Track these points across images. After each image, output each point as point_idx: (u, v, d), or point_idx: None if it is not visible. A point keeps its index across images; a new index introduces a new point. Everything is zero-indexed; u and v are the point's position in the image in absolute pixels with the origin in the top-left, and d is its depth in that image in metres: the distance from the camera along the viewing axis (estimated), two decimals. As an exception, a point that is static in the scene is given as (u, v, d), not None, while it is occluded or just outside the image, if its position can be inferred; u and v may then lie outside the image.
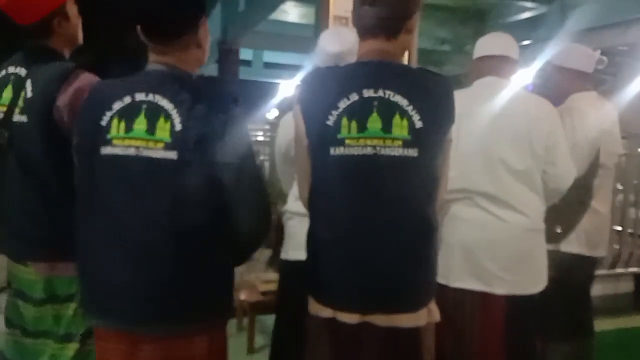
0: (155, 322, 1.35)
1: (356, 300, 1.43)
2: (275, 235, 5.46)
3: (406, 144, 1.37)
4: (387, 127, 1.37)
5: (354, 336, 1.43)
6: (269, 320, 3.59)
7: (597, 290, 2.57)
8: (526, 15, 10.07)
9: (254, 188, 1.40)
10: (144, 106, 1.32)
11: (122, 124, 1.32)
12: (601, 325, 2.59)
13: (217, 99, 1.37)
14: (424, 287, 1.47)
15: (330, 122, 1.39)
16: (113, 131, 1.32)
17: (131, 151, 1.30)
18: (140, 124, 1.31)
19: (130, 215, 1.31)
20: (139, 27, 1.38)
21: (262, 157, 9.08)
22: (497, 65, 2.01)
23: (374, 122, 1.38)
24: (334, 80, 1.44)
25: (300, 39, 10.69)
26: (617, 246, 4.28)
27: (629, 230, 4.44)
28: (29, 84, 1.56)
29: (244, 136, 1.37)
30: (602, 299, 3.97)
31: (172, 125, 1.30)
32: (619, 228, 4.30)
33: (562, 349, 2.42)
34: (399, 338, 1.43)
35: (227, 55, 11.32)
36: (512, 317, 1.91)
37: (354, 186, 1.41)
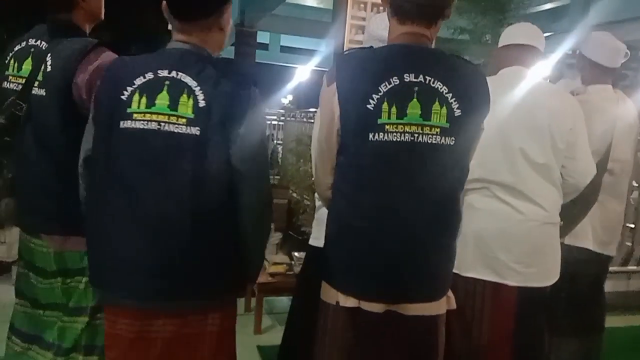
0: (168, 297, 1.37)
1: (383, 289, 1.42)
2: (287, 218, 5.50)
3: (444, 132, 1.37)
4: (426, 114, 1.36)
5: (377, 325, 1.43)
6: (277, 302, 3.64)
7: (608, 287, 2.55)
8: (548, 6, 9.90)
9: (263, 170, 1.43)
10: (167, 82, 1.34)
11: (144, 99, 1.33)
12: (612, 322, 2.57)
13: (241, 79, 1.38)
14: (447, 276, 1.48)
15: (370, 107, 1.35)
16: (134, 105, 1.33)
17: (153, 125, 1.32)
18: (163, 99, 1.32)
19: (149, 189, 1.32)
20: (164, 4, 1.38)
21: (275, 142, 9.11)
22: (524, 55, 1.99)
23: (414, 108, 1.36)
24: (375, 63, 1.41)
25: (318, 23, 10.60)
26: (629, 243, 4.24)
27: (643, 228, 4.39)
28: (49, 58, 1.56)
29: (262, 118, 1.41)
30: (613, 295, 3.93)
31: (196, 102, 1.31)
32: (632, 225, 4.25)
33: (570, 344, 2.41)
34: (421, 326, 1.44)
35: (244, 37, 11.26)
36: (522, 309, 1.90)
37: (389, 173, 1.38)
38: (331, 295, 1.46)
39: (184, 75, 1.34)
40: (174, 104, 1.32)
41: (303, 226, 4.70)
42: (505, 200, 1.88)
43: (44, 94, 1.56)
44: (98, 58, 1.56)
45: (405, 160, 1.38)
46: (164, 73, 1.34)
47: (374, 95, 1.36)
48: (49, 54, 1.57)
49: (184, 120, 1.31)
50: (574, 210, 2.16)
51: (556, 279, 1.96)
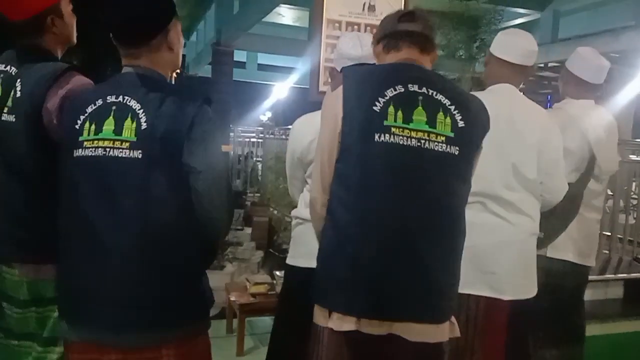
0: (119, 330, 1.31)
1: (386, 304, 1.35)
2: (267, 236, 5.47)
3: (449, 141, 1.37)
4: (431, 122, 1.37)
5: (378, 351, 1.35)
6: (259, 322, 3.60)
7: (586, 295, 2.57)
8: (519, 21, 10.15)
9: (219, 187, 1.36)
10: (114, 107, 1.32)
11: (93, 126, 1.32)
12: (591, 330, 2.60)
13: (186, 97, 1.35)
14: (452, 296, 1.43)
15: (377, 109, 1.35)
16: (85, 133, 1.32)
17: (99, 152, 1.30)
18: (109, 124, 1.31)
19: (102, 216, 1.29)
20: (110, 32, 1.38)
21: (255, 159, 9.10)
22: (515, 74, 2.00)
23: (419, 115, 1.37)
24: (380, 73, 1.43)
25: (295, 41, 10.70)
26: (606, 251, 4.31)
27: (619, 236, 4.48)
28: (18, 84, 1.54)
29: (212, 134, 1.34)
30: (591, 304, 3.99)
31: (138, 125, 1.29)
32: (609, 233, 4.33)
33: (551, 354, 2.42)
34: (425, 353, 1.36)
35: (221, 56, 11.29)
36: (513, 322, 1.91)
37: (395, 178, 1.35)
38: (325, 317, 1.38)
39: (129, 99, 1.32)
40: (118, 129, 1.30)
41: (284, 244, 4.68)
42: (497, 213, 1.89)
43: (14, 119, 1.53)
44: (69, 82, 1.54)
45: (413, 166, 1.36)
46: (112, 98, 1.34)
47: (380, 99, 1.36)
48: (19, 80, 1.54)
49: (127, 144, 1.29)
50: (555, 223, 2.19)
51: (536, 290, 1.98)
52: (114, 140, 1.30)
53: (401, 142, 1.34)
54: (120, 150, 1.29)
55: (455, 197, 1.41)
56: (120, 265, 1.29)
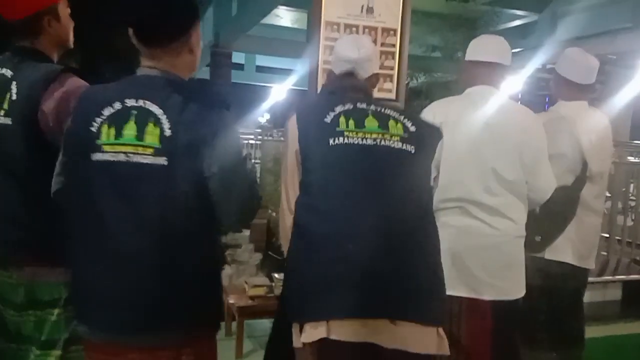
0: (140, 331, 1.33)
1: (358, 302, 1.33)
2: (266, 238, 5.45)
3: (404, 140, 1.47)
4: (384, 126, 1.48)
5: None
6: (258, 325, 3.58)
7: (585, 297, 2.57)
8: (517, 23, 10.15)
9: (246, 191, 1.39)
10: (134, 112, 1.31)
11: (112, 130, 1.31)
12: (589, 332, 2.59)
13: (208, 104, 1.35)
14: (434, 293, 1.42)
15: (328, 120, 1.47)
16: (103, 137, 1.31)
17: (121, 157, 1.29)
18: (130, 129, 1.30)
19: (121, 221, 1.30)
20: (131, 31, 1.37)
21: (253, 161, 9.09)
22: (489, 73, 2.01)
23: (371, 122, 1.48)
24: (329, 97, 1.60)
25: (293, 43, 10.68)
26: (604, 253, 4.31)
27: (617, 238, 4.48)
28: (14, 86, 1.53)
29: (234, 141, 1.36)
30: (590, 306, 3.99)
31: (162, 131, 1.29)
32: (607, 235, 4.33)
33: (550, 358, 2.42)
34: None
35: (219, 58, 11.29)
36: (498, 324, 1.92)
37: (354, 175, 1.43)
38: (297, 336, 1.36)
39: (150, 103, 1.31)
40: (140, 134, 1.30)
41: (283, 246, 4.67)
42: (479, 217, 1.90)
43: (10, 122, 1.52)
44: (64, 84, 1.54)
45: (371, 162, 1.45)
46: (131, 102, 1.32)
47: (330, 113, 1.48)
48: (14, 82, 1.54)
49: (150, 150, 1.29)
50: (552, 226, 2.19)
51: (524, 292, 1.98)
52: (137, 146, 1.29)
53: (356, 142, 1.44)
54: (144, 156, 1.29)
55: (418, 193, 1.47)
56: (142, 268, 1.30)
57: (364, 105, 1.50)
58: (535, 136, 1.96)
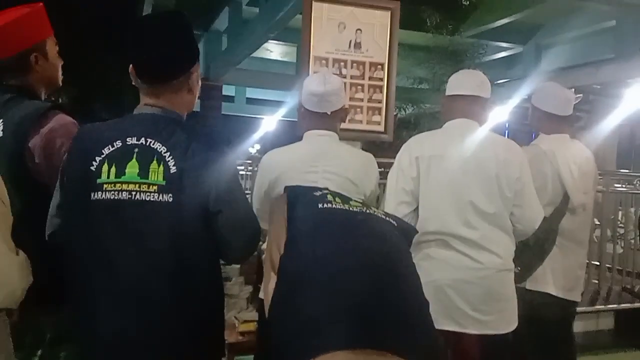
0: None
1: (343, 334, 1.25)
2: (256, 272, 5.39)
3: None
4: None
5: None
6: (248, 361, 3.51)
7: (578, 327, 2.56)
8: (502, 54, 10.37)
9: (246, 232, 1.40)
10: (136, 150, 1.31)
11: (113, 169, 1.30)
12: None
13: (211, 141, 1.37)
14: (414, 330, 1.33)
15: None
16: (103, 176, 1.30)
17: (124, 195, 1.29)
18: (133, 167, 1.30)
19: (126, 260, 1.28)
20: (131, 67, 1.38)
21: (244, 190, 9.04)
22: (468, 106, 2.03)
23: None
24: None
25: (283, 76, 10.81)
26: (595, 281, 4.30)
27: (607, 265, 4.48)
28: (0, 124, 1.53)
29: (236, 177, 1.40)
30: (582, 336, 3.96)
31: (167, 168, 1.29)
32: (597, 263, 4.33)
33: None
34: None
35: (210, 91, 11.36)
36: (487, 357, 1.90)
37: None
38: None
39: (153, 141, 1.32)
40: (144, 172, 1.29)
41: (273, 279, 4.62)
42: (462, 251, 1.90)
43: None
44: (51, 121, 1.54)
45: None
46: (132, 140, 1.32)
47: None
48: (1, 119, 1.54)
49: (155, 187, 1.28)
50: (530, 256, 2.19)
51: (516, 325, 1.96)
52: (140, 184, 1.29)
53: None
54: (148, 194, 1.28)
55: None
56: (151, 306, 1.28)
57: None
58: (515, 168, 1.96)
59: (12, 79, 1.62)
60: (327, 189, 1.41)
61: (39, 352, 1.55)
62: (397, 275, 1.35)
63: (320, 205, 1.35)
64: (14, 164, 1.50)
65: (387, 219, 1.37)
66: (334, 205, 1.34)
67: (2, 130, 1.52)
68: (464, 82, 2.08)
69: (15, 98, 1.58)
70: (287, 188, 1.44)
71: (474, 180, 1.91)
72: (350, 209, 1.35)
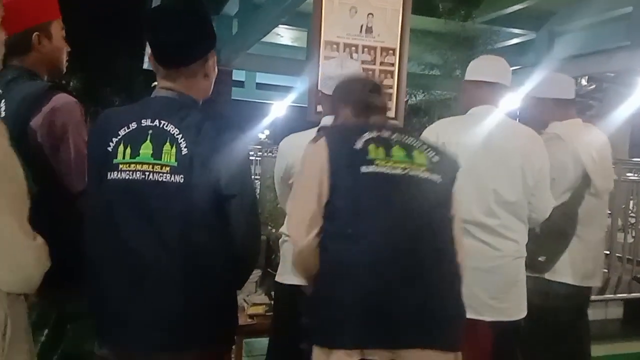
0: (160, 348, 1.34)
1: (389, 334, 1.35)
2: (266, 256, 5.44)
3: (429, 170, 1.49)
4: (410, 156, 1.49)
5: None
6: (257, 343, 3.55)
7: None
8: (514, 41, 10.23)
9: (253, 211, 1.43)
10: (150, 131, 1.35)
11: (128, 150, 1.34)
12: (592, 351, 2.57)
13: (223, 124, 1.39)
14: (453, 322, 1.43)
15: (357, 147, 1.46)
16: (119, 156, 1.34)
17: (138, 175, 1.32)
18: (147, 148, 1.34)
19: (139, 239, 1.32)
20: (149, 51, 1.42)
21: (253, 177, 9.08)
22: (492, 93, 2.03)
23: (398, 151, 1.50)
24: (355, 125, 1.59)
25: (293, 61, 10.76)
26: (605, 270, 4.29)
27: (617, 255, 4.46)
28: (2, 104, 1.55)
29: (246, 160, 1.42)
30: (591, 324, 3.95)
31: (179, 150, 1.32)
32: (607, 252, 4.32)
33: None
34: None
35: (220, 76, 11.35)
36: (498, 345, 1.91)
37: (385, 202, 1.44)
38: (326, 354, 1.36)
39: (166, 123, 1.34)
40: (157, 153, 1.32)
41: (282, 263, 4.64)
42: (481, 238, 1.90)
43: None
44: (51, 100, 1.55)
45: (399, 191, 1.47)
46: (147, 122, 1.35)
47: (359, 140, 1.48)
48: (3, 100, 1.55)
49: (167, 168, 1.31)
50: (554, 245, 2.18)
51: (525, 313, 1.97)
52: (153, 165, 1.32)
53: (386, 171, 1.45)
54: (161, 174, 1.31)
55: (444, 222, 1.52)
56: (163, 285, 1.32)
57: (387, 134, 1.52)
58: (539, 158, 1.98)
59: (15, 59, 1.62)
60: (370, 132, 1.49)
61: (45, 332, 1.57)
62: (438, 269, 1.41)
63: (362, 169, 1.40)
64: (17, 144, 1.51)
65: (430, 175, 1.45)
66: (377, 169, 1.40)
67: (4, 111, 1.53)
68: (489, 67, 2.07)
69: (17, 79, 1.59)
70: (321, 130, 1.52)
71: (498, 168, 1.92)
72: (393, 172, 1.42)
